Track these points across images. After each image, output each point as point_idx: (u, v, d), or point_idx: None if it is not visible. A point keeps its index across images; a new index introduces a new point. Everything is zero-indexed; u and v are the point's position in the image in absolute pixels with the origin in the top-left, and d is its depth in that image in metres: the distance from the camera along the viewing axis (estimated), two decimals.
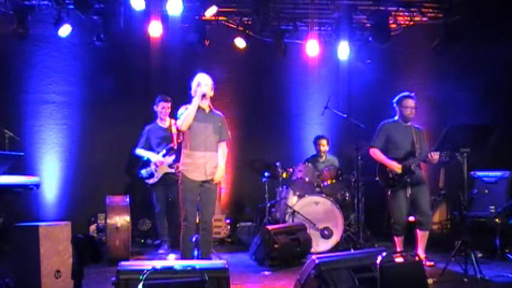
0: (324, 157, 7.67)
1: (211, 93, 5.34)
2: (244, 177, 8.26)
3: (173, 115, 6.38)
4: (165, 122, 6.91)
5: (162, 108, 6.85)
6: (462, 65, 7.72)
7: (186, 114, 5.15)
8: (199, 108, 5.21)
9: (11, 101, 7.59)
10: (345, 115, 6.98)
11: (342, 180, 7.19)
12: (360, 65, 8.02)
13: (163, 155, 6.69)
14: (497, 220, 6.39)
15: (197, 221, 5.15)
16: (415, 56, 8.35)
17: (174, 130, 6.67)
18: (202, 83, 5.23)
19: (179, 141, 5.55)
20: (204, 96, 5.19)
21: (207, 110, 5.31)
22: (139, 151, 6.85)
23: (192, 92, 5.26)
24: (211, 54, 7.90)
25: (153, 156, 6.74)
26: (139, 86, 7.92)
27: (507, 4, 6.98)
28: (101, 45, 7.23)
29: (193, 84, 5.28)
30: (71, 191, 7.72)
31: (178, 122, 5.22)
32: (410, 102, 5.95)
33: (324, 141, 7.62)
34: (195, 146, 5.20)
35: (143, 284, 3.46)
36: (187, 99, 5.27)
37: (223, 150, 5.42)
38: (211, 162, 5.24)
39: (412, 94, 6.02)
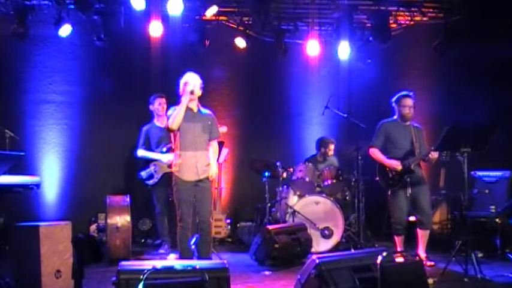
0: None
1: (200, 93, 5.32)
2: (244, 177, 8.26)
3: None
4: (162, 121, 6.88)
5: (159, 104, 6.84)
6: (462, 64, 7.71)
7: (176, 112, 5.16)
8: (187, 108, 5.21)
9: (12, 101, 7.60)
10: (345, 115, 6.98)
11: (342, 180, 7.18)
12: (360, 64, 8.01)
13: (164, 152, 6.68)
14: (497, 220, 6.39)
15: (196, 220, 5.15)
16: (415, 56, 8.35)
17: None
18: (190, 82, 5.23)
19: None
20: (192, 93, 5.18)
21: (195, 109, 5.31)
22: (142, 152, 6.82)
23: (180, 90, 5.26)
24: (211, 54, 7.90)
25: (157, 155, 6.71)
26: (140, 86, 7.92)
27: (507, 4, 6.98)
28: (101, 45, 7.23)
29: (181, 83, 5.28)
30: (71, 190, 7.73)
31: (169, 122, 5.22)
32: (409, 102, 5.95)
33: (332, 146, 7.60)
34: (185, 146, 5.22)
35: (143, 284, 3.46)
36: (178, 99, 5.26)
37: (214, 148, 5.44)
38: (202, 162, 5.26)
39: (411, 93, 6.03)
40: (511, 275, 5.31)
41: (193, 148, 5.23)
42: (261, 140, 8.34)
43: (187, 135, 5.22)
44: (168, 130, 5.37)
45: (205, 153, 5.31)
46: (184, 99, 5.18)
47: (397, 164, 5.82)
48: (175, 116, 5.15)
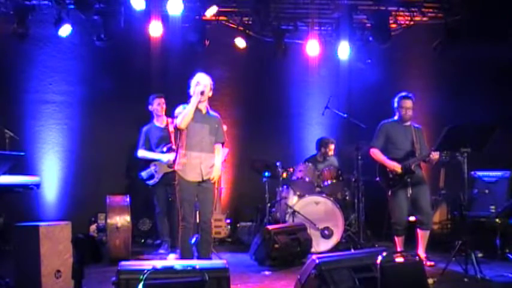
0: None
1: (210, 94, 5.35)
2: (244, 177, 8.27)
3: (169, 114, 6.39)
4: (162, 121, 6.88)
5: (158, 104, 6.84)
6: (462, 64, 7.72)
7: (186, 112, 5.15)
8: (196, 108, 5.20)
9: (12, 101, 7.60)
10: (345, 115, 6.99)
11: (342, 180, 7.18)
12: (360, 65, 8.01)
13: (164, 152, 6.67)
14: (497, 220, 6.39)
15: (196, 220, 5.15)
16: (415, 56, 8.36)
17: (171, 129, 6.64)
18: (201, 83, 5.25)
19: (177, 142, 5.55)
20: (202, 94, 5.18)
21: (204, 111, 5.31)
22: (142, 152, 6.81)
23: (191, 91, 5.27)
24: (211, 54, 7.90)
25: (157, 155, 6.71)
26: (140, 86, 7.91)
27: (507, 4, 6.98)
28: (101, 45, 7.22)
29: (193, 83, 5.29)
30: (71, 190, 7.73)
31: (177, 120, 5.20)
32: (407, 103, 5.95)
33: (332, 146, 7.60)
34: (190, 146, 5.21)
35: (143, 284, 3.46)
36: (187, 99, 5.26)
37: (218, 151, 5.42)
38: (207, 163, 5.25)
39: (410, 95, 6.01)
40: (511, 275, 5.31)
41: (199, 149, 5.22)
42: (261, 140, 8.34)
43: (194, 135, 5.21)
44: (175, 129, 5.35)
45: (211, 155, 5.30)
46: (195, 100, 5.17)
47: (397, 167, 5.83)
48: (184, 116, 5.13)
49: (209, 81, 5.32)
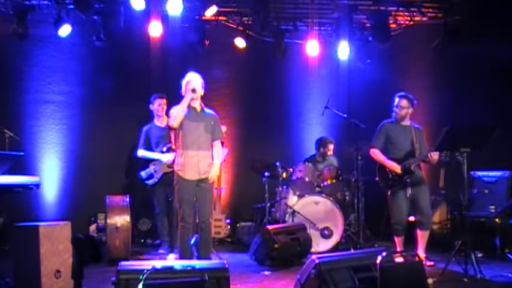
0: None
1: (202, 92, 5.35)
2: (244, 177, 8.27)
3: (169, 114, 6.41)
4: (162, 121, 6.89)
5: (159, 105, 6.84)
6: (462, 64, 7.72)
7: (177, 110, 5.20)
8: (190, 107, 5.24)
9: (11, 101, 7.61)
10: (345, 115, 6.98)
11: (342, 180, 7.18)
12: (360, 65, 8.02)
13: (164, 152, 6.68)
14: (497, 220, 6.39)
15: (196, 220, 5.15)
16: (415, 56, 8.35)
17: None
18: (192, 82, 5.27)
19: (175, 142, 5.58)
20: (193, 91, 5.20)
21: (198, 109, 5.33)
22: (142, 152, 6.81)
23: (183, 91, 5.30)
24: (211, 54, 7.90)
25: (157, 155, 6.71)
26: (139, 86, 7.92)
27: (507, 4, 6.99)
28: (101, 45, 7.23)
29: (183, 83, 5.31)
30: (71, 190, 7.73)
31: (170, 120, 5.26)
32: (400, 102, 5.95)
33: (331, 146, 7.60)
34: (187, 145, 5.23)
35: (143, 284, 3.46)
36: (180, 100, 5.27)
37: (217, 149, 5.43)
38: (205, 161, 5.26)
39: (409, 96, 5.98)
40: (510, 275, 5.31)
41: (196, 147, 5.24)
42: (261, 140, 8.34)
43: (190, 134, 5.23)
44: (169, 128, 5.39)
45: (208, 153, 5.32)
46: (186, 97, 5.21)
47: (397, 168, 5.82)
48: (176, 114, 5.18)
49: (200, 80, 5.33)
